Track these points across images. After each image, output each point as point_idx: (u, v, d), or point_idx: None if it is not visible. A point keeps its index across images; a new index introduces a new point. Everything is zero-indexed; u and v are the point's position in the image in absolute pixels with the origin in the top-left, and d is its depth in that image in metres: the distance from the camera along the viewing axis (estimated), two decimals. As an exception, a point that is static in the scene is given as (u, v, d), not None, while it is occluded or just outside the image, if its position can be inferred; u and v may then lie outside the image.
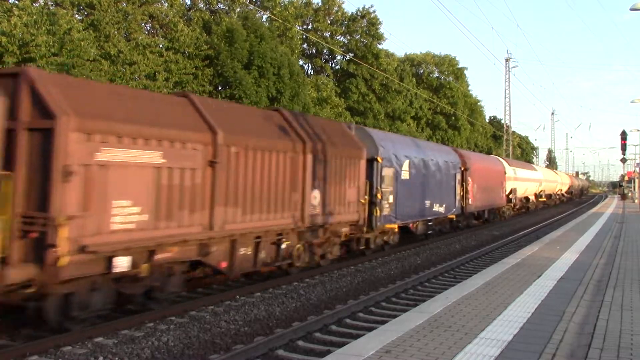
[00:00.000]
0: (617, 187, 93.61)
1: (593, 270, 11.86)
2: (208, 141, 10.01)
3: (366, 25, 46.43)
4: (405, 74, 51.56)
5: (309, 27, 44.40)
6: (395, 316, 9.09)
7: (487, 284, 9.97)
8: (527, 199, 42.63)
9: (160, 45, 29.29)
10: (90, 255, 7.84)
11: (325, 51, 45.93)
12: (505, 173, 32.82)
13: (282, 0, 39.77)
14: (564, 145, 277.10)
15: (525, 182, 39.72)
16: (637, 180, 58.52)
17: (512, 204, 35.33)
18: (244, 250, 10.99)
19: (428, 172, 20.08)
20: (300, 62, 42.84)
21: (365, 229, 15.73)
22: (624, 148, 41.95)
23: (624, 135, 40.92)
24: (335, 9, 45.64)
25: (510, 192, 34.34)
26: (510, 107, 69.52)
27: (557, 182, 58.94)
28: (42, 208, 7.59)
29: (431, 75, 61.29)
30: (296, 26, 40.14)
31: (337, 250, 14.74)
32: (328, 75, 45.21)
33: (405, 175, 17.95)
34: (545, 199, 49.99)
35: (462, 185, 23.91)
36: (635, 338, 6.73)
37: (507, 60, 69.27)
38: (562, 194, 65.96)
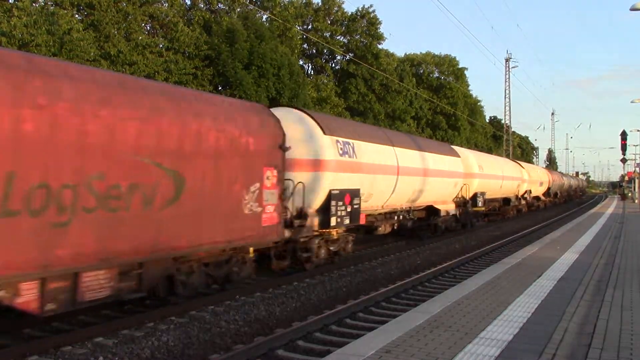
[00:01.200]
0: (617, 188, 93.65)
1: (593, 270, 11.86)
2: None
3: (366, 25, 46.47)
4: (405, 74, 51.60)
5: (309, 27, 44.42)
6: (395, 316, 9.08)
7: (487, 284, 9.96)
8: (431, 211, 21.25)
9: (160, 46, 29.31)
10: None
11: (325, 51, 45.95)
12: (280, 147, 11.59)
13: (282, 0, 39.80)
14: (564, 145, 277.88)
15: (411, 177, 17.92)
16: (637, 181, 58.55)
17: (335, 231, 14.01)
18: None
19: None
20: (301, 62, 42.89)
21: None
22: (624, 148, 42.05)
23: (624, 135, 40.99)
24: (335, 9, 45.69)
25: (328, 199, 13.57)
26: (510, 107, 69.61)
27: (520, 180, 36.04)
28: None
29: (431, 75, 61.34)
30: (296, 26, 40.16)
31: None
32: (328, 75, 45.24)
33: None
34: (485, 209, 28.21)
35: None
36: (635, 338, 6.73)
37: (507, 60, 69.37)
38: (534, 198, 44.27)
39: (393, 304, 11.37)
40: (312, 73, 45.90)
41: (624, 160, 50.07)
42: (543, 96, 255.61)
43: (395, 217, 18.43)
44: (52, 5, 25.97)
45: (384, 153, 16.27)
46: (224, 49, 30.57)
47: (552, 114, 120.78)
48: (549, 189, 49.36)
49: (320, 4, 44.98)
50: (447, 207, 22.47)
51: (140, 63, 26.49)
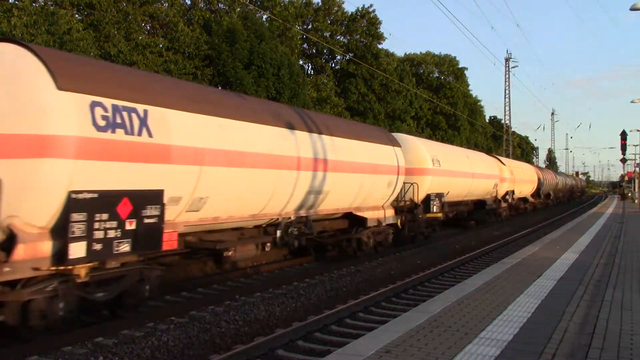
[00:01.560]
0: (617, 188, 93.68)
1: (593, 270, 11.86)
2: None
3: (366, 25, 46.49)
4: (405, 74, 51.62)
5: (309, 27, 44.44)
6: (395, 316, 9.08)
7: (487, 284, 9.96)
8: (356, 221, 15.80)
9: (160, 46, 29.32)
10: None
11: (325, 51, 45.97)
12: None
13: (282, 0, 39.82)
14: (564, 145, 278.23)
15: (299, 171, 12.06)
16: (637, 180, 58.56)
17: (83, 269, 7.55)
18: None
19: None
20: (301, 62, 42.92)
21: None
22: (624, 148, 42.04)
23: (624, 135, 40.98)
24: (335, 9, 45.71)
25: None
26: (510, 107, 69.61)
27: (498, 178, 30.02)
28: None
29: (431, 75, 61.37)
30: (296, 26, 40.17)
31: None
32: (328, 75, 45.26)
33: None
34: (444, 215, 21.48)
35: None
36: (635, 338, 6.73)
37: (507, 60, 69.35)
38: (521, 200, 38.10)
39: (393, 304, 11.36)
40: (312, 73, 45.93)
41: (623, 160, 50.09)
42: (543, 96, 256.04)
43: (279, 233, 12.28)
44: (52, 5, 25.96)
45: (234, 131, 10.25)
46: (224, 49, 30.59)
47: (552, 114, 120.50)
48: (538, 189, 43.05)
49: (320, 3, 45.02)
50: (380, 214, 16.28)
51: (140, 63, 26.49)
